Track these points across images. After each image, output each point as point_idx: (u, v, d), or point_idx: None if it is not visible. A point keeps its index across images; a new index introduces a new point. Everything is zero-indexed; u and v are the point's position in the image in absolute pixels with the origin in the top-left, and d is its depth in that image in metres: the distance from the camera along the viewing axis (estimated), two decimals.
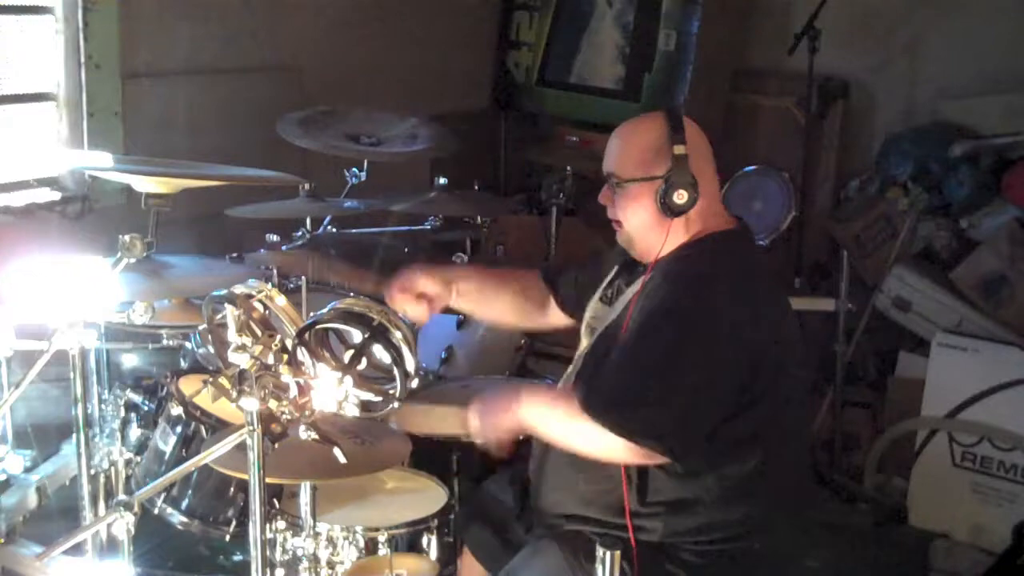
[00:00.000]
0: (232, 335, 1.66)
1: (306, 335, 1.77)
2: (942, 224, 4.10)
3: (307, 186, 3.16)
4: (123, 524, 1.72)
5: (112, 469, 2.64)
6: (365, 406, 1.78)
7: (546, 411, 2.09)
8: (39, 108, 3.39)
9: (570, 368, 2.27)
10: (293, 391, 1.69)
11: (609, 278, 2.29)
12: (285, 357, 1.66)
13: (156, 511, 2.56)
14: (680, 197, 2.06)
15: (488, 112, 5.02)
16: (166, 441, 2.60)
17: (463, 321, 3.24)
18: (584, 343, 2.26)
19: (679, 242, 2.11)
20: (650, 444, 1.94)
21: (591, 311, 2.28)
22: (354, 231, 3.46)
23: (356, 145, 3.49)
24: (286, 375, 1.67)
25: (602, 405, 1.97)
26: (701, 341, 1.98)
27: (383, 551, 2.39)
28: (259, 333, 1.66)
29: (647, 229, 2.12)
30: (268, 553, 2.06)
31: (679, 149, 2.06)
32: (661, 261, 2.12)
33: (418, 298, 2.32)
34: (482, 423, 2.14)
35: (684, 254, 2.11)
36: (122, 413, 2.70)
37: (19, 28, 3.32)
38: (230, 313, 1.68)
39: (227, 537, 2.58)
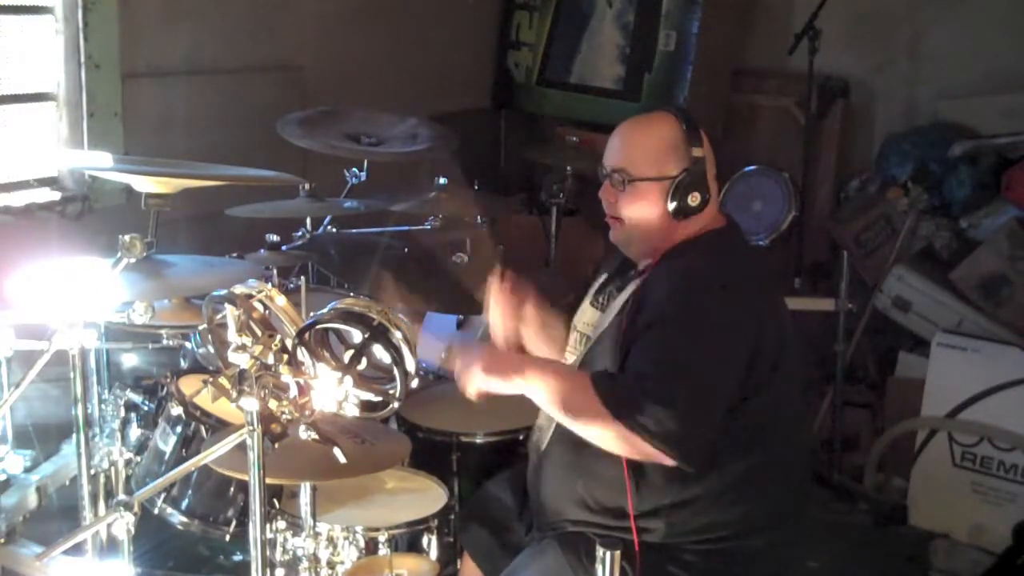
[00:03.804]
0: (232, 335, 1.66)
1: (306, 335, 1.77)
2: (942, 224, 4.10)
3: (307, 186, 3.16)
4: (123, 524, 1.72)
5: (112, 469, 2.63)
6: (365, 406, 1.78)
7: (553, 389, 1.99)
8: (39, 108, 3.38)
9: None
10: (293, 391, 1.69)
11: (600, 282, 2.27)
12: (285, 357, 1.66)
13: (156, 511, 2.56)
14: (694, 199, 2.06)
15: (488, 112, 5.02)
16: (166, 441, 2.60)
17: (463, 321, 3.25)
18: (575, 348, 2.23)
19: (674, 243, 2.11)
20: (661, 447, 1.87)
21: (581, 316, 2.26)
22: (354, 231, 3.46)
23: (356, 145, 3.49)
24: (286, 375, 1.67)
25: (616, 401, 1.91)
26: (700, 340, 1.97)
27: (383, 551, 2.39)
28: (259, 333, 1.66)
29: (651, 229, 2.11)
30: (268, 553, 2.06)
31: (698, 151, 2.06)
32: (654, 263, 2.11)
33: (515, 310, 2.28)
34: (480, 371, 2.04)
35: (677, 255, 2.10)
36: (122, 413, 2.70)
37: (19, 28, 3.32)
38: (230, 313, 1.68)
39: (227, 537, 2.58)
